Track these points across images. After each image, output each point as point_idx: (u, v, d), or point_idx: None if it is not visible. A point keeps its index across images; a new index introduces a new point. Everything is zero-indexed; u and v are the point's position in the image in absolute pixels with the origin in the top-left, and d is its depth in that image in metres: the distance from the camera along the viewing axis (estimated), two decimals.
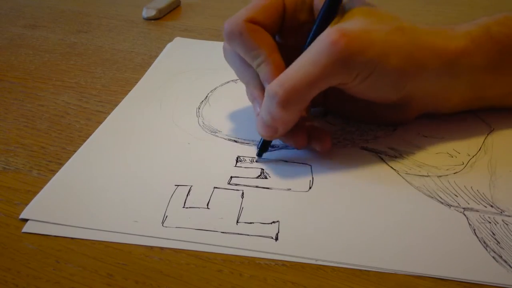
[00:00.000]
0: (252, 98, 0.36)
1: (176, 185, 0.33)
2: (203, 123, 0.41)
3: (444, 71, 0.34)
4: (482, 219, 0.30)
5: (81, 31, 0.59)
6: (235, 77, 0.39)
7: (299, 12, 0.35)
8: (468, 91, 0.36)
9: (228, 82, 0.46)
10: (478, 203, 0.32)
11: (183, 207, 0.32)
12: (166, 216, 0.31)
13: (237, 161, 0.36)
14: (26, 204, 0.32)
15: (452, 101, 0.37)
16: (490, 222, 0.30)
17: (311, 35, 0.34)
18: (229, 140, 0.38)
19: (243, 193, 0.33)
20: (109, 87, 0.47)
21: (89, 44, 0.56)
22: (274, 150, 0.37)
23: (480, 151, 0.36)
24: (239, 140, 0.38)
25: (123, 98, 0.44)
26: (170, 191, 0.33)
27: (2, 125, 0.41)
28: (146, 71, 0.49)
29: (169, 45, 0.55)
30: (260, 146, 0.36)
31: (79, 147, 0.38)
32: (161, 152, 0.37)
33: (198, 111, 0.42)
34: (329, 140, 0.35)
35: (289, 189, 0.33)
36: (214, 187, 0.33)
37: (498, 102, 0.39)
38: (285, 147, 0.37)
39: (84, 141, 0.38)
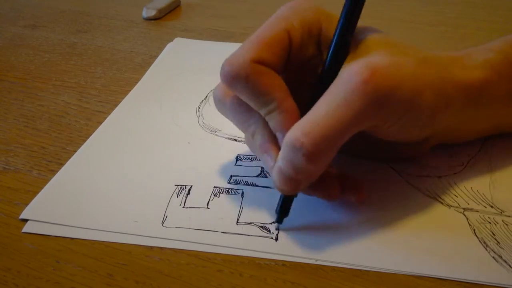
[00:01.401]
0: (261, 151, 0.30)
1: (176, 185, 0.33)
2: (203, 122, 0.41)
3: (468, 104, 0.32)
4: (482, 219, 0.30)
5: (81, 31, 0.59)
6: None
7: (306, 47, 0.30)
8: (485, 121, 0.34)
9: None
10: (478, 203, 0.32)
11: (183, 207, 0.32)
12: (166, 216, 0.31)
13: (237, 160, 0.36)
14: (26, 204, 0.32)
15: (467, 132, 0.35)
16: (490, 222, 0.30)
17: (324, 73, 0.29)
18: (229, 139, 0.38)
19: (243, 192, 0.33)
20: (109, 87, 0.47)
21: (89, 44, 0.56)
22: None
23: (480, 151, 0.36)
24: (239, 139, 0.38)
25: (123, 98, 0.44)
26: (170, 191, 0.33)
27: (2, 125, 0.41)
28: (146, 71, 0.49)
29: (169, 45, 0.55)
30: (280, 207, 0.30)
31: (79, 147, 0.38)
32: (161, 152, 0.37)
33: (198, 111, 0.42)
34: (364, 188, 0.31)
35: None
36: (214, 187, 0.33)
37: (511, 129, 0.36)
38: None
39: (84, 141, 0.38)
